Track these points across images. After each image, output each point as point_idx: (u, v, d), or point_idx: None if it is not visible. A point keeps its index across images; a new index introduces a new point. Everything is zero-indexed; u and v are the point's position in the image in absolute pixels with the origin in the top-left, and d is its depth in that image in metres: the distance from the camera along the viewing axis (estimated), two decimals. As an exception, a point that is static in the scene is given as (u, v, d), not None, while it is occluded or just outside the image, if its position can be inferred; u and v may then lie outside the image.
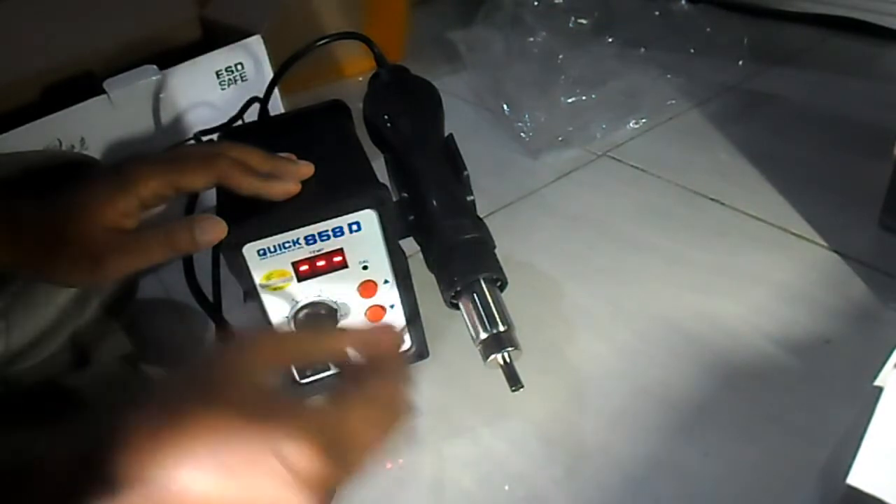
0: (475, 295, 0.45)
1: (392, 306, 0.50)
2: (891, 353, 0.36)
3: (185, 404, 0.28)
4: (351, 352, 0.33)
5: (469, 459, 0.48)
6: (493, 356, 0.44)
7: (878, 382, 0.35)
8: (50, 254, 0.38)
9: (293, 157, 0.46)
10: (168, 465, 0.26)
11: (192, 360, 0.31)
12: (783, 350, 0.53)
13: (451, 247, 0.46)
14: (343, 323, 0.48)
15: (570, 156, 0.81)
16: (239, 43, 0.72)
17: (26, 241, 0.39)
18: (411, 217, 0.49)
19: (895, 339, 0.38)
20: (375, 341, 0.34)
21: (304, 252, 0.45)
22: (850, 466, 0.31)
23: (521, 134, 0.82)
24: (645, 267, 0.63)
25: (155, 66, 0.68)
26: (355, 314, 0.50)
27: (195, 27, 0.78)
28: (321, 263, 0.46)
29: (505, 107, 0.86)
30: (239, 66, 0.72)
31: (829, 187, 0.69)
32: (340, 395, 0.31)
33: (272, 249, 0.45)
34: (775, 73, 0.93)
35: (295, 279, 0.46)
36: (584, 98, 0.84)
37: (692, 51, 0.95)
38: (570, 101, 0.84)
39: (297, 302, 0.48)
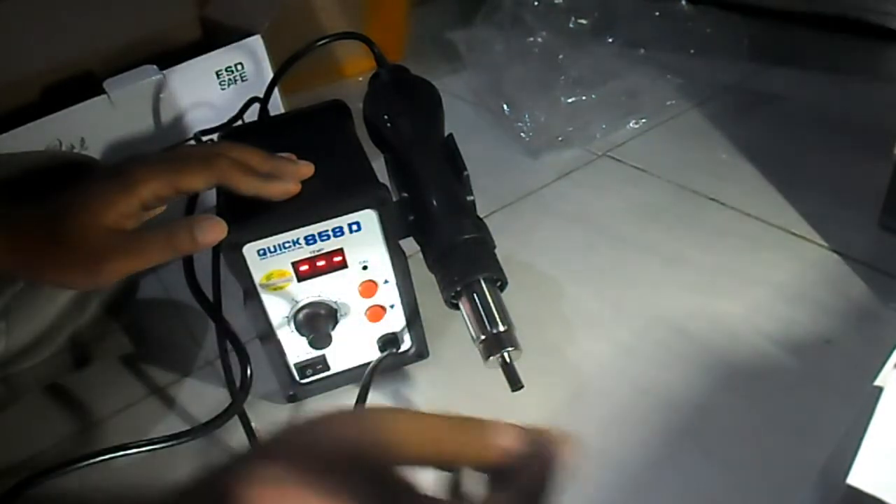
0: (475, 295, 0.45)
1: (392, 306, 0.51)
2: (891, 353, 0.36)
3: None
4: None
5: (469, 459, 0.48)
6: (493, 356, 0.44)
7: (878, 382, 0.35)
8: (50, 255, 0.38)
9: (293, 157, 0.46)
10: None
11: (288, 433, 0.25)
12: (783, 350, 0.53)
13: (451, 247, 0.46)
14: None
15: (570, 156, 0.81)
16: (239, 43, 0.72)
17: (26, 243, 0.39)
18: (411, 217, 0.49)
19: (895, 339, 0.38)
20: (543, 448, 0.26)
21: (304, 252, 0.45)
22: (850, 466, 0.31)
23: (521, 134, 0.82)
24: (645, 267, 0.63)
25: (155, 66, 0.68)
26: (355, 314, 0.50)
27: (195, 27, 0.78)
28: (321, 263, 0.46)
29: (505, 107, 0.86)
30: (239, 66, 0.72)
31: (829, 187, 0.69)
32: None
33: (272, 249, 0.45)
34: (775, 73, 0.93)
35: (295, 279, 0.46)
36: (584, 98, 0.84)
37: (692, 51, 0.95)
38: (570, 101, 0.84)
39: (297, 302, 0.48)
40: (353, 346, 0.52)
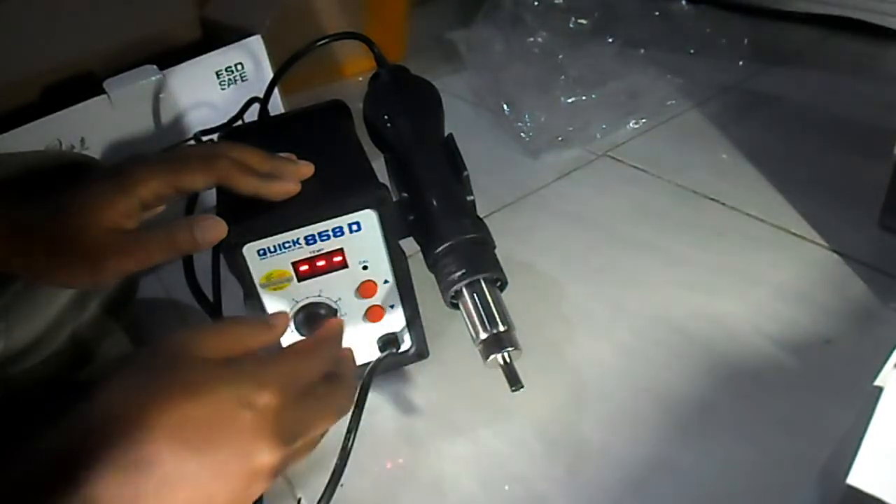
0: (475, 295, 0.45)
1: (392, 306, 0.50)
2: (891, 353, 0.36)
3: (143, 384, 0.30)
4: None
5: (469, 459, 0.48)
6: (493, 356, 0.44)
7: (878, 382, 0.35)
8: (50, 255, 0.38)
9: (293, 157, 0.46)
10: (140, 445, 0.27)
11: (138, 351, 0.33)
12: (783, 350, 0.53)
13: (451, 247, 0.46)
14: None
15: (570, 156, 0.81)
16: (239, 43, 0.72)
17: (26, 243, 0.39)
18: (411, 217, 0.49)
19: (895, 339, 0.38)
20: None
21: (304, 252, 0.45)
22: (850, 466, 0.31)
23: (521, 134, 0.82)
24: (645, 267, 0.63)
25: (155, 66, 0.68)
26: (355, 314, 0.50)
27: (195, 27, 0.78)
28: (321, 263, 0.46)
29: (505, 107, 0.86)
30: (239, 66, 0.72)
31: (829, 187, 0.69)
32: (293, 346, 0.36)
33: (272, 249, 0.45)
34: (775, 73, 0.93)
35: (295, 279, 0.46)
36: (584, 98, 0.84)
37: (692, 51, 0.95)
38: (570, 101, 0.84)
39: (297, 302, 0.48)
40: (352, 346, 0.51)
